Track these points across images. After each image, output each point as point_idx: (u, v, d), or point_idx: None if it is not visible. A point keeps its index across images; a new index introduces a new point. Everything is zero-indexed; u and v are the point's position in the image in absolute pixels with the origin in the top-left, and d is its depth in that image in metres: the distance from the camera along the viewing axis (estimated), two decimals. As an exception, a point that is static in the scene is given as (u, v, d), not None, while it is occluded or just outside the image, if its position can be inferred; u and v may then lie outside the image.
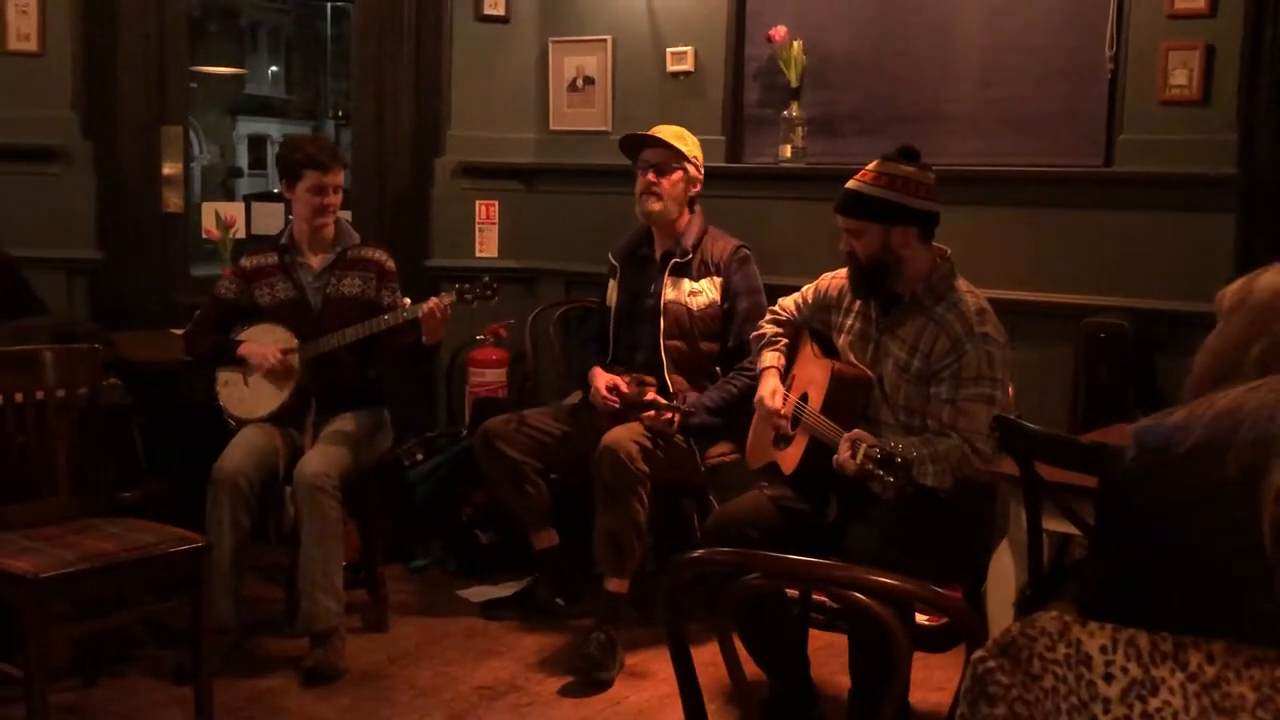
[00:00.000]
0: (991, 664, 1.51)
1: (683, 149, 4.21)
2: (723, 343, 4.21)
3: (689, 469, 4.12)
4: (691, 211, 4.30)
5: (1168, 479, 1.55)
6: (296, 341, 4.06)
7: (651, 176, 4.20)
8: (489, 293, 4.09)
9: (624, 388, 4.15)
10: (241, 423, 4.08)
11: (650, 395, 4.09)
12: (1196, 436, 1.53)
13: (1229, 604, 1.48)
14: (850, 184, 3.35)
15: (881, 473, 2.95)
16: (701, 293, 4.20)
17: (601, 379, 4.20)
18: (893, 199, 3.26)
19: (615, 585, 3.97)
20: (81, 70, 5.13)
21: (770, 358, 3.67)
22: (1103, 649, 1.48)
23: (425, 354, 4.15)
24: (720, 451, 4.20)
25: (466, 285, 4.08)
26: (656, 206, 4.21)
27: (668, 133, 4.24)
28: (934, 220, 3.32)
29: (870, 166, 3.34)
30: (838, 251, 3.40)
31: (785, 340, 3.70)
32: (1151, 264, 4.13)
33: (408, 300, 4.03)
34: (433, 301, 3.94)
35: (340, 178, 4.16)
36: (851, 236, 3.33)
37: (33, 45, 5.04)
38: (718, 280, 4.21)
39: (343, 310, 4.09)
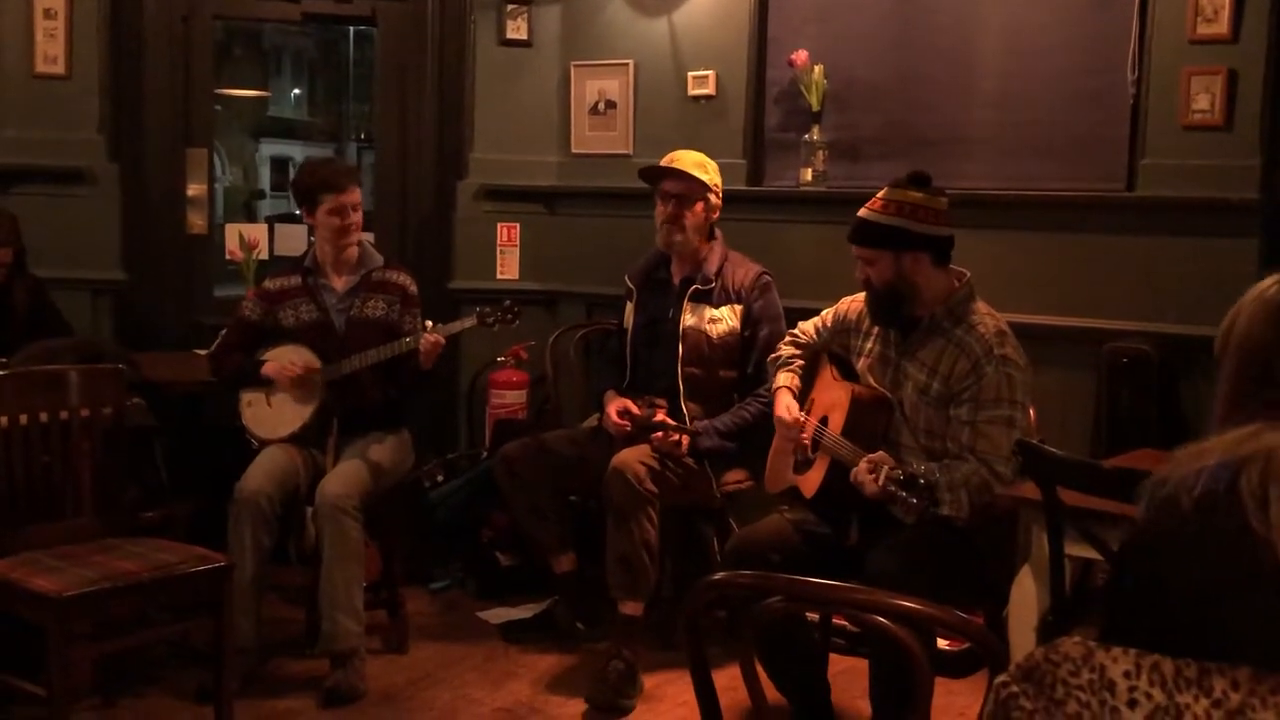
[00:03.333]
0: (1014, 689, 1.51)
1: (704, 178, 4.20)
2: (741, 370, 4.20)
3: (702, 491, 4.11)
4: (711, 238, 4.29)
5: (1180, 532, 1.54)
6: (319, 362, 4.08)
7: (674, 208, 4.19)
8: (509, 316, 4.10)
9: (634, 410, 4.15)
10: (264, 443, 4.09)
11: (660, 417, 4.08)
12: (1200, 488, 1.53)
13: (1253, 641, 1.47)
14: (861, 212, 3.36)
15: (905, 494, 2.95)
16: (721, 320, 4.18)
17: (613, 404, 4.20)
18: (902, 226, 3.27)
19: (630, 609, 3.95)
20: (108, 93, 5.18)
21: (784, 378, 3.68)
22: (1126, 674, 1.47)
23: (423, 379, 4.15)
24: (735, 479, 4.17)
25: (487, 309, 4.09)
26: (679, 238, 4.20)
27: (689, 161, 4.21)
28: (947, 244, 3.33)
29: (880, 194, 3.35)
30: (856, 276, 3.41)
31: (801, 362, 3.71)
32: (1174, 289, 4.12)
33: (429, 323, 4.04)
34: (432, 337, 3.96)
35: (357, 196, 4.17)
36: (865, 264, 3.34)
37: (60, 68, 5.10)
38: (738, 308, 4.19)
39: (366, 333, 4.11)
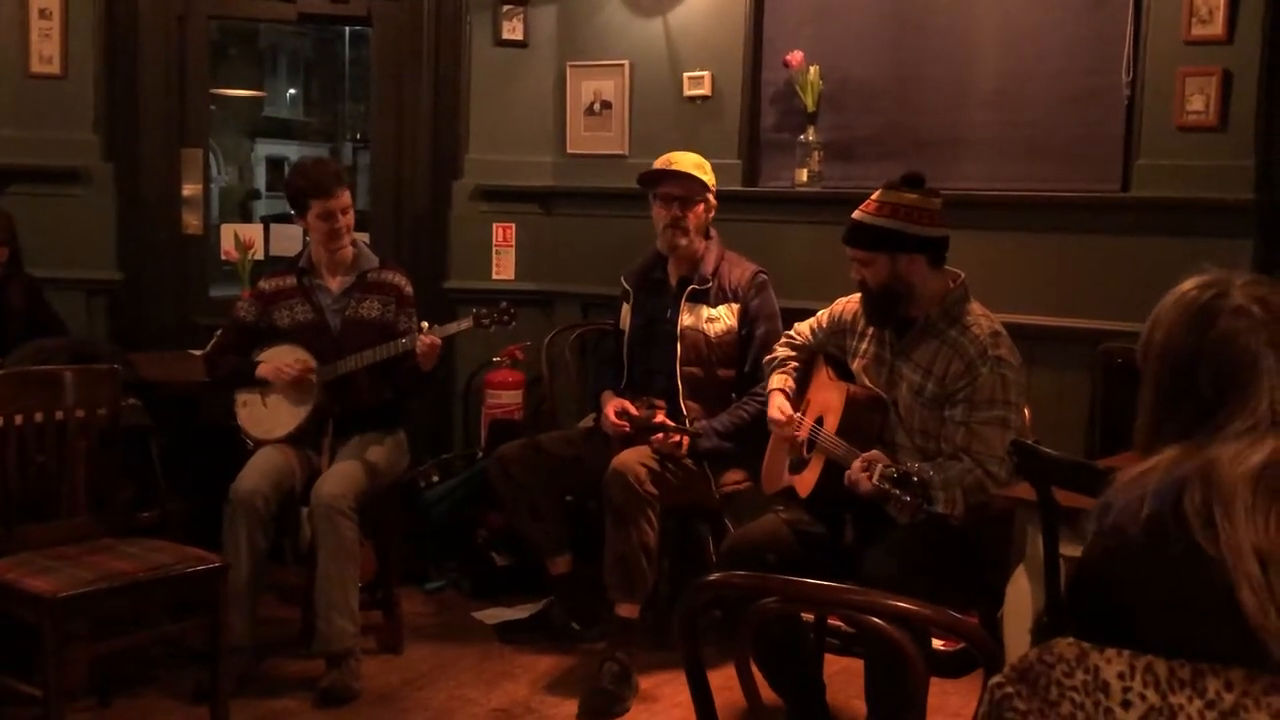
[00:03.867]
0: (1009, 690, 1.51)
1: (705, 178, 4.20)
2: (739, 369, 4.20)
3: (701, 492, 4.10)
4: (707, 237, 4.29)
5: (1132, 560, 1.54)
6: (315, 363, 4.08)
7: (677, 211, 4.18)
8: (506, 318, 4.10)
9: (633, 411, 4.15)
10: (259, 443, 4.09)
11: (659, 418, 4.08)
12: (1146, 511, 1.53)
13: (1220, 655, 1.46)
14: (855, 214, 3.36)
15: (898, 492, 2.95)
16: (719, 319, 4.18)
17: (611, 404, 4.20)
18: (896, 228, 3.27)
19: (626, 610, 3.94)
20: (103, 93, 5.17)
21: (778, 380, 3.68)
22: (1120, 675, 1.47)
23: (422, 380, 4.14)
24: (734, 479, 4.17)
25: (483, 310, 4.09)
26: (684, 242, 4.20)
27: (688, 162, 4.20)
28: (942, 245, 3.33)
29: (874, 196, 3.35)
30: (851, 277, 3.41)
31: (796, 364, 3.71)
32: (1169, 289, 4.11)
33: (425, 324, 4.03)
34: (429, 339, 3.96)
35: (346, 198, 4.13)
36: (861, 266, 3.34)
37: (55, 68, 5.09)
38: (735, 306, 4.19)
39: (361, 333, 4.10)
